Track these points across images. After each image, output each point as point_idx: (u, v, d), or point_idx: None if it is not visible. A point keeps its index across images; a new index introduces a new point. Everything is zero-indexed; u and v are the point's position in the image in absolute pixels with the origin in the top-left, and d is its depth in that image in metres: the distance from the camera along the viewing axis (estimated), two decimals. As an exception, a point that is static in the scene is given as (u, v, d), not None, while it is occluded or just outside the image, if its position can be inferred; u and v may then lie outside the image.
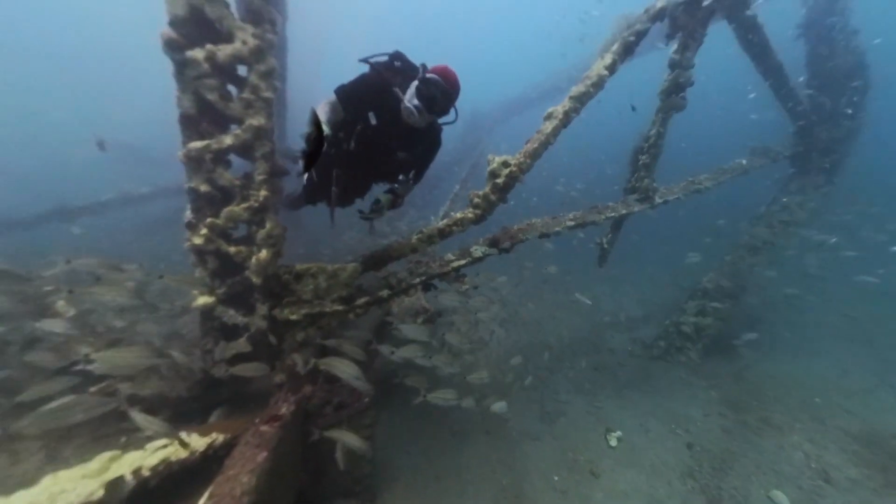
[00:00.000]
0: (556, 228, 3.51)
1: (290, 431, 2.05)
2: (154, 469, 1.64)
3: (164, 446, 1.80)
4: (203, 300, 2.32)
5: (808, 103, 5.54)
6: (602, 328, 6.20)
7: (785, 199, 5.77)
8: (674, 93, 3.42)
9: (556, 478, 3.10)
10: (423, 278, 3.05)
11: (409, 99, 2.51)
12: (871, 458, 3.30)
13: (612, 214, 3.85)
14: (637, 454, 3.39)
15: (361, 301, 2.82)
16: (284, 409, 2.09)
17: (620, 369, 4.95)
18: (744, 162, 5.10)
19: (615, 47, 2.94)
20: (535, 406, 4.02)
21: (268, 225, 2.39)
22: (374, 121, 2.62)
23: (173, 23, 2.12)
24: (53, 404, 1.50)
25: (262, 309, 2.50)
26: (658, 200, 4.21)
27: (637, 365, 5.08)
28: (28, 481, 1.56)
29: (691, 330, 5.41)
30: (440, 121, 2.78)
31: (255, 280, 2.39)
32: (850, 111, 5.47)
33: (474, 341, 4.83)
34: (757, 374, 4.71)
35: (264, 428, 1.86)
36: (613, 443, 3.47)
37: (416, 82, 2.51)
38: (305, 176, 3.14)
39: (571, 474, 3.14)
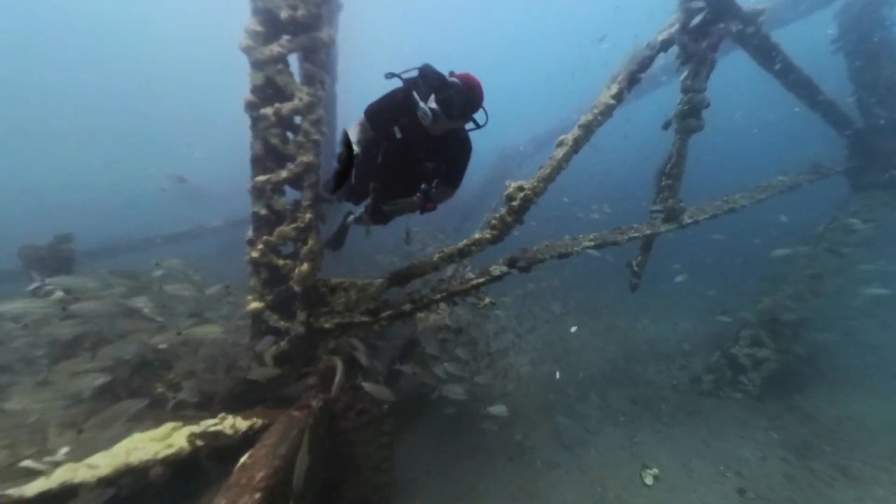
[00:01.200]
0: (576, 249, 3.60)
1: (318, 424, 2.29)
2: (205, 437, 1.95)
3: (215, 424, 2.12)
4: (254, 305, 2.74)
5: (860, 116, 5.21)
6: (643, 357, 5.81)
7: (846, 218, 5.27)
8: (689, 116, 3.51)
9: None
10: (444, 294, 3.28)
11: (428, 104, 2.50)
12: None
13: (636, 235, 3.85)
14: (677, 495, 3.10)
15: (386, 314, 3.10)
16: (314, 403, 2.34)
17: (662, 403, 4.59)
18: (785, 178, 4.83)
19: (621, 78, 3.17)
20: (562, 435, 3.86)
21: (310, 242, 2.82)
22: (399, 134, 2.67)
23: (253, 90, 2.77)
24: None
25: (301, 316, 2.87)
26: (687, 220, 4.14)
27: (682, 399, 4.67)
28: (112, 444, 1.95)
29: (748, 362, 4.91)
30: (470, 126, 2.70)
31: (297, 289, 2.79)
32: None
33: (494, 362, 4.79)
34: (830, 414, 4.11)
35: (296, 413, 2.12)
36: (649, 481, 3.21)
37: (437, 85, 2.48)
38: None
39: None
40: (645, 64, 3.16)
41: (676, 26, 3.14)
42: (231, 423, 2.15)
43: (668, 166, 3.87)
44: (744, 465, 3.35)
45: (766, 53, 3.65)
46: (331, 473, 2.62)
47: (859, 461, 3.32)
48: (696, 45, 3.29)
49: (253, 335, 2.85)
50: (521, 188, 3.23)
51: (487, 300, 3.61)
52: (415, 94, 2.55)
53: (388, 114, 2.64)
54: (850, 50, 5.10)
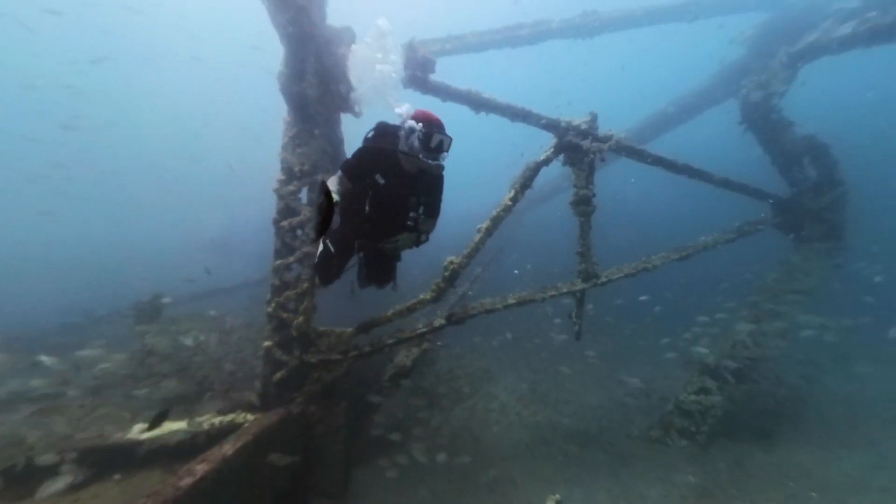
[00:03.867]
0: (499, 306, 4.72)
1: (292, 423, 3.55)
2: (216, 425, 3.32)
3: (230, 417, 3.49)
4: (267, 343, 4.23)
5: (784, 181, 5.97)
6: (607, 407, 6.27)
7: (787, 268, 5.76)
8: (580, 204, 4.71)
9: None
10: (396, 340, 4.54)
11: (410, 143, 2.80)
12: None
13: (553, 293, 4.88)
14: None
15: (353, 353, 4.41)
16: (293, 409, 3.64)
17: (609, 448, 5.09)
18: (707, 238, 5.59)
19: (517, 185, 4.54)
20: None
21: (305, 302, 4.33)
22: (382, 181, 2.92)
23: (278, 211, 4.56)
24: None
25: (296, 353, 4.28)
26: (604, 279, 5.07)
27: (629, 446, 5.13)
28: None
29: (695, 410, 5.29)
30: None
31: (295, 334, 4.25)
32: (827, 182, 5.68)
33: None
34: (761, 462, 4.40)
35: (274, 415, 3.42)
36: None
37: (407, 131, 2.82)
38: (319, 255, 3.26)
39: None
40: (532, 177, 4.51)
41: (552, 150, 4.52)
42: (221, 420, 3.51)
43: (578, 240, 4.99)
44: (641, 500, 3.88)
45: (636, 155, 4.84)
46: (302, 466, 3.78)
47: None
48: (576, 157, 4.63)
49: (265, 364, 4.30)
50: (451, 262, 4.56)
51: (426, 344, 4.79)
52: (401, 133, 2.87)
53: (367, 165, 2.92)
54: (756, 129, 6.04)
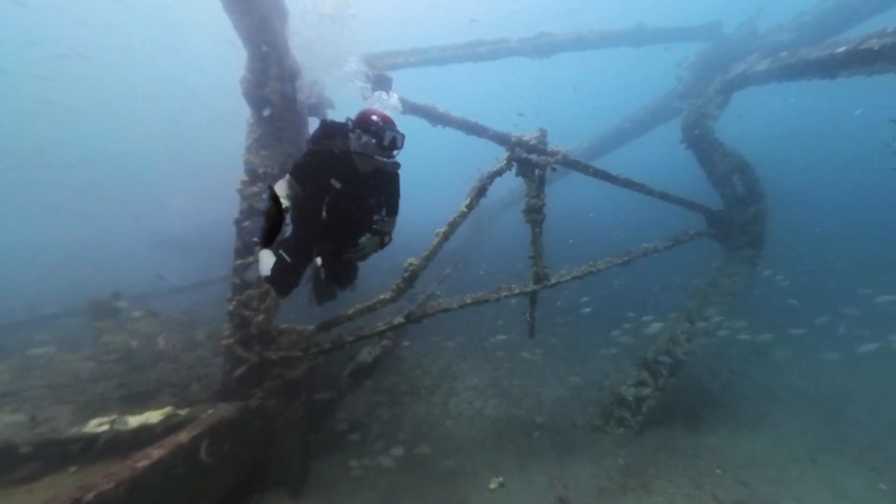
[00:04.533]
0: (455, 306, 5.06)
1: (250, 415, 3.73)
2: (173, 418, 3.46)
3: (188, 410, 3.63)
4: (227, 340, 4.36)
5: (719, 196, 6.67)
6: (563, 400, 6.76)
7: (716, 273, 6.46)
8: (531, 212, 5.12)
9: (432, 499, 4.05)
10: (356, 338, 4.78)
11: (363, 143, 2.68)
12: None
13: (507, 294, 5.27)
14: (509, 498, 4.13)
15: (314, 351, 4.61)
16: (252, 403, 3.81)
17: (555, 437, 5.54)
18: (647, 245, 6.18)
19: (472, 193, 4.89)
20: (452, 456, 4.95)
21: (267, 301, 4.49)
22: (338, 184, 2.82)
23: (240, 212, 4.68)
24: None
25: (256, 350, 4.44)
26: (554, 281, 5.52)
27: (573, 434, 5.59)
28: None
29: (632, 400, 5.85)
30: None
31: (255, 332, 4.40)
32: (751, 197, 6.43)
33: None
34: (683, 446, 4.97)
35: (233, 408, 3.59)
36: (493, 486, 4.27)
37: (358, 131, 2.71)
38: (272, 264, 3.02)
39: (443, 500, 4.07)
40: (486, 187, 4.89)
41: (505, 162, 4.91)
42: (179, 413, 3.65)
43: (531, 245, 5.40)
44: (574, 481, 4.31)
45: (581, 169, 5.33)
46: (259, 458, 3.97)
47: (665, 480, 4.21)
48: (526, 168, 5.03)
49: (225, 361, 4.42)
50: (411, 264, 4.85)
51: (386, 341, 5.08)
52: (352, 133, 2.75)
53: (320, 168, 2.78)
54: (694, 148, 6.72)
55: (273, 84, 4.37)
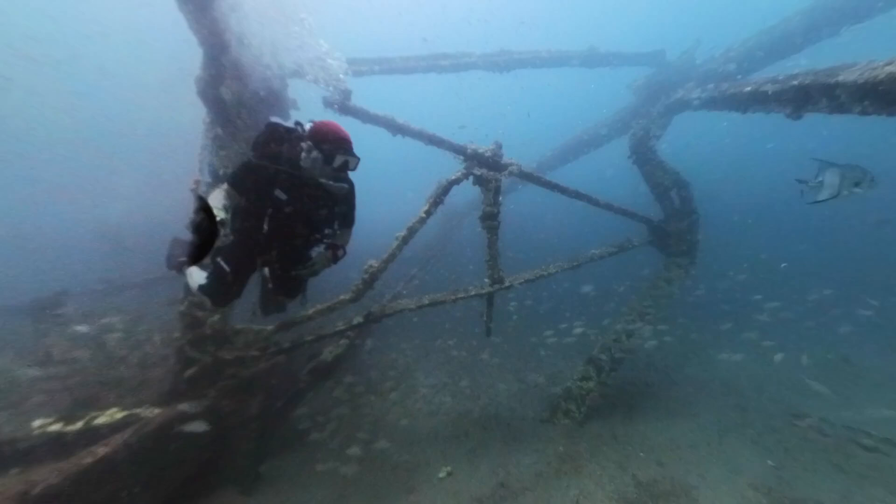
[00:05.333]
0: (413, 307, 5.31)
1: (200, 414, 3.78)
2: (120, 419, 3.47)
3: (135, 411, 3.63)
4: (178, 341, 4.36)
5: (659, 207, 7.35)
6: (518, 396, 7.20)
7: (655, 278, 7.14)
8: (487, 219, 5.47)
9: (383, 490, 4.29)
10: (315, 337, 4.92)
11: (312, 159, 2.46)
12: (633, 499, 4.07)
13: (463, 296, 5.59)
14: (455, 485, 4.46)
15: (272, 351, 4.70)
16: (203, 402, 3.86)
17: (506, 429, 5.93)
18: (596, 251, 6.73)
19: (431, 200, 5.17)
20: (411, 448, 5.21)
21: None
22: (283, 196, 2.54)
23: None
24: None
25: (210, 350, 4.46)
26: (508, 283, 5.91)
27: (523, 426, 6.01)
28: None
29: (577, 394, 6.37)
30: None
31: (209, 332, 4.43)
32: (686, 209, 7.16)
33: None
34: (617, 434, 5.50)
35: (181, 406, 3.64)
36: (442, 475, 4.58)
37: (310, 143, 2.47)
38: (209, 276, 2.72)
39: (393, 491, 4.32)
40: (444, 194, 5.18)
41: (462, 172, 5.23)
42: (126, 414, 3.67)
43: (487, 250, 5.75)
44: (515, 467, 4.70)
45: (533, 180, 5.76)
46: (210, 455, 4.02)
47: (594, 463, 4.69)
48: (483, 183, 5.36)
49: (176, 361, 4.42)
50: (371, 266, 5.04)
51: (345, 341, 5.25)
52: (302, 146, 2.49)
53: (262, 180, 2.51)
54: (639, 164, 7.38)
55: (229, 83, 4.41)
